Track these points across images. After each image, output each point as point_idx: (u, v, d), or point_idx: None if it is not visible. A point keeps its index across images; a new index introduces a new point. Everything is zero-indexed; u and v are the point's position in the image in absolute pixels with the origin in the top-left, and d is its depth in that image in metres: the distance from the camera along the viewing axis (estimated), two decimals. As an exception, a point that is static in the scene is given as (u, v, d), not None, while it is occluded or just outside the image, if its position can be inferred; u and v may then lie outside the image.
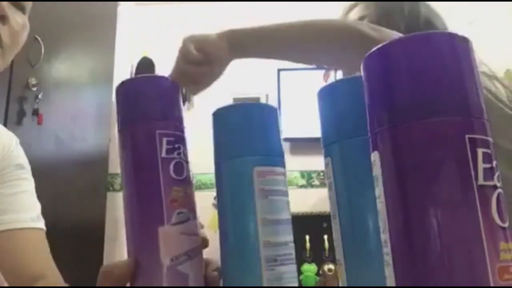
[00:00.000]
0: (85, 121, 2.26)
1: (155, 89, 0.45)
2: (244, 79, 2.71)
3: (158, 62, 2.78)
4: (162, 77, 0.47)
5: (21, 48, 1.81)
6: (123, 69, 2.68)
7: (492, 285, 0.24)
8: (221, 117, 0.44)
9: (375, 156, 0.28)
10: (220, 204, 0.42)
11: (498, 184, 0.26)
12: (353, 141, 0.38)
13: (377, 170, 0.28)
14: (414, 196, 0.26)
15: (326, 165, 0.39)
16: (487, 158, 0.26)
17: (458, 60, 0.27)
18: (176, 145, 0.42)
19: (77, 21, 2.14)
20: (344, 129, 0.39)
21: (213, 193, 0.46)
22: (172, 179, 0.41)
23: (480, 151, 0.26)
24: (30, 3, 0.69)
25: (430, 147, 0.26)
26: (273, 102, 2.55)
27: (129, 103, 0.46)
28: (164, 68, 2.96)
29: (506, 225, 0.25)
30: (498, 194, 0.25)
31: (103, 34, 2.44)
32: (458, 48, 0.27)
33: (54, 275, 0.66)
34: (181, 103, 0.48)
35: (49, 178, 1.89)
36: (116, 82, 2.38)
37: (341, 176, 0.38)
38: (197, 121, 2.21)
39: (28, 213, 0.68)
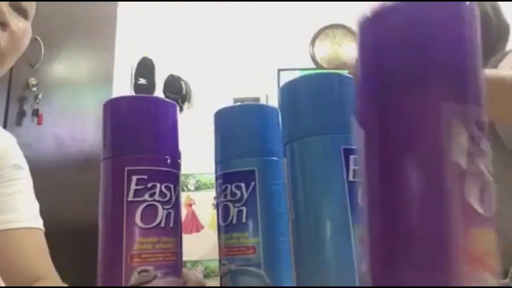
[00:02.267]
0: (85, 121, 2.26)
1: (133, 114, 0.37)
2: (244, 80, 2.71)
3: (158, 62, 2.78)
4: (148, 98, 0.40)
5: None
6: (123, 69, 2.68)
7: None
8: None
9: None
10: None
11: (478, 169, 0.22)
12: (305, 141, 0.37)
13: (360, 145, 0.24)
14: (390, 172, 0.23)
15: (283, 165, 0.39)
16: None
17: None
18: (150, 184, 0.35)
19: (77, 21, 2.14)
20: (298, 129, 0.38)
21: (212, 193, 0.46)
22: (137, 229, 0.34)
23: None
24: (34, 8, 0.69)
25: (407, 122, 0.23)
26: (273, 103, 2.55)
27: (105, 130, 0.38)
28: (164, 68, 2.96)
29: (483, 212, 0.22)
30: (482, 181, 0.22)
31: (103, 34, 2.44)
32: (448, 17, 0.24)
33: (52, 277, 0.66)
34: (175, 128, 0.39)
35: (49, 178, 1.89)
36: (116, 82, 2.38)
37: (294, 176, 0.37)
38: (198, 121, 2.21)
39: (26, 212, 0.68)
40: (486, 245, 0.22)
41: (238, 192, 0.41)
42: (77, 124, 2.17)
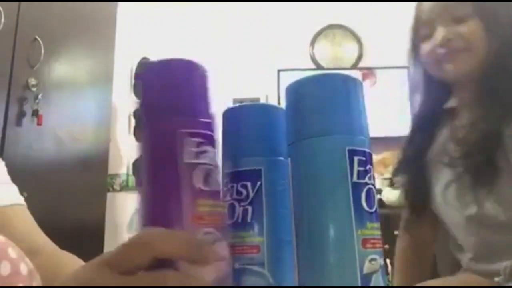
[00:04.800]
0: (85, 122, 2.26)
1: (180, 77, 0.37)
2: (244, 80, 2.71)
3: (158, 63, 2.78)
4: (190, 62, 0.38)
5: (21, 48, 1.81)
6: (123, 70, 2.68)
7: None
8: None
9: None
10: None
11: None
12: (309, 141, 0.37)
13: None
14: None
15: (288, 165, 0.39)
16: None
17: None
18: (204, 148, 0.35)
19: (77, 22, 2.14)
20: (302, 129, 0.38)
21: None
22: (196, 190, 0.34)
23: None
24: None
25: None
26: (273, 103, 2.55)
27: (149, 93, 0.38)
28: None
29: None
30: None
31: (102, 35, 2.44)
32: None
33: (50, 245, 0.68)
34: (211, 96, 0.39)
35: (49, 178, 1.89)
36: (116, 82, 2.39)
37: (298, 176, 0.37)
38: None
39: (9, 190, 0.70)
40: (208, 208, 0.34)
41: (244, 191, 0.41)
42: (77, 124, 2.16)
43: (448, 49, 0.85)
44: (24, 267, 0.37)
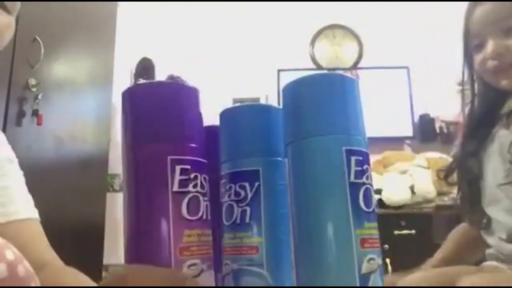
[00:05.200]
0: (85, 122, 2.26)
1: (171, 100, 0.35)
2: (244, 80, 2.71)
3: (158, 63, 2.78)
4: (179, 85, 0.37)
5: (21, 48, 1.81)
6: (123, 70, 2.68)
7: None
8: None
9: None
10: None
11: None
12: (307, 141, 0.37)
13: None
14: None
15: (285, 166, 0.39)
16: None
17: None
18: (193, 175, 0.33)
19: (77, 22, 2.14)
20: (299, 129, 0.38)
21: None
22: (184, 221, 0.32)
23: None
24: (17, 3, 0.69)
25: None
26: (273, 103, 2.55)
27: (135, 117, 0.35)
28: (164, 68, 2.96)
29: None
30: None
31: (102, 35, 2.44)
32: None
33: (55, 260, 0.68)
34: (202, 117, 0.37)
35: (49, 178, 1.88)
36: (116, 82, 2.39)
37: (296, 176, 0.37)
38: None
39: (26, 204, 0.70)
40: (195, 238, 0.34)
41: (242, 192, 0.41)
42: (77, 124, 2.16)
43: (499, 63, 0.87)
44: (22, 269, 0.37)
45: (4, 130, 1.67)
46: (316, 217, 0.35)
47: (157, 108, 0.35)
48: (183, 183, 0.33)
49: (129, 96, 0.36)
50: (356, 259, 0.34)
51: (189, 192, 0.33)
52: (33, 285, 0.38)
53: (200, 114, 0.38)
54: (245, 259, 0.40)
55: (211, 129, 0.47)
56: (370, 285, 0.34)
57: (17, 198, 0.69)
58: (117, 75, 2.57)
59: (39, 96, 1.82)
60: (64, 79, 2.09)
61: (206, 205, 0.35)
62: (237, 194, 0.41)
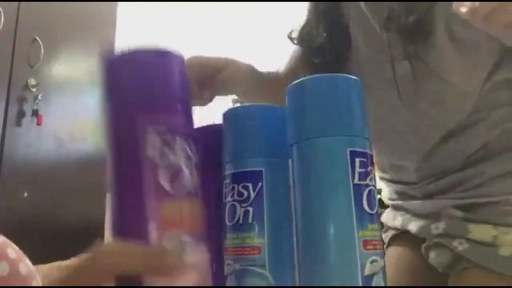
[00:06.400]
0: (85, 122, 2.26)
1: (150, 68, 0.32)
2: (243, 79, 2.71)
3: (158, 63, 2.78)
4: (162, 52, 0.34)
5: (21, 48, 1.82)
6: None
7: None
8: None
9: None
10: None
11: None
12: (310, 142, 0.37)
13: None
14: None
15: (288, 167, 0.39)
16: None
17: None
18: (172, 147, 0.31)
19: (76, 22, 2.14)
20: (303, 130, 0.38)
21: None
22: (162, 192, 0.30)
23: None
24: None
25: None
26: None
27: (109, 83, 0.33)
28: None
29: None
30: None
31: (102, 34, 2.44)
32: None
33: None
34: (188, 87, 0.35)
35: (49, 178, 1.89)
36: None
37: (299, 177, 0.37)
38: (197, 121, 2.20)
39: None
40: (176, 213, 0.31)
41: (245, 192, 0.41)
42: (77, 124, 2.16)
43: None
44: (24, 267, 0.37)
45: (3, 130, 1.67)
46: (319, 218, 0.35)
47: (137, 78, 0.33)
48: (159, 152, 0.30)
49: (110, 66, 0.34)
50: (359, 260, 0.34)
51: (166, 163, 0.31)
52: (34, 283, 0.38)
53: (185, 85, 0.34)
54: (248, 260, 0.40)
55: (214, 128, 0.47)
56: (373, 286, 0.34)
57: None
58: (117, 75, 2.57)
59: (39, 96, 1.82)
60: (64, 79, 2.09)
61: (186, 182, 0.32)
62: (239, 194, 0.41)
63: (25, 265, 0.37)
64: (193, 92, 0.67)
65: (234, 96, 0.85)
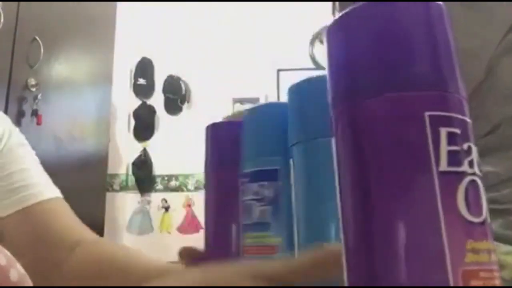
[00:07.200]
0: (85, 121, 2.25)
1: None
2: (243, 80, 2.70)
3: (158, 63, 2.77)
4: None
5: (20, 48, 1.80)
6: (122, 70, 2.68)
7: None
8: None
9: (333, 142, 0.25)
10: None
11: (470, 170, 0.20)
12: (313, 142, 0.36)
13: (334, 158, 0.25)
14: (365, 184, 0.22)
15: (290, 167, 0.38)
16: (454, 139, 0.20)
17: (424, 28, 0.22)
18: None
19: (76, 22, 2.13)
20: (305, 130, 0.37)
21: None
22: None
23: (444, 131, 0.20)
24: None
25: (385, 127, 0.22)
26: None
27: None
28: (164, 68, 2.96)
29: (480, 219, 0.20)
30: (469, 182, 0.20)
31: (102, 35, 2.43)
32: (424, 15, 0.22)
33: (90, 235, 0.68)
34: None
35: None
36: (116, 82, 2.38)
37: (300, 179, 0.36)
38: (197, 121, 2.20)
39: (47, 184, 0.69)
40: (483, 258, 0.19)
41: (262, 191, 0.40)
42: (76, 124, 2.16)
43: None
44: (15, 273, 0.37)
45: (4, 130, 1.67)
46: (320, 218, 0.35)
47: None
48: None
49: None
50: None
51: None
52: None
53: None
54: (264, 259, 0.40)
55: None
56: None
57: (38, 179, 0.68)
58: (117, 75, 2.56)
59: (39, 96, 1.81)
60: (63, 79, 2.08)
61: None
62: (257, 193, 0.41)
63: (16, 271, 0.37)
64: None
65: (235, 96, 0.84)
